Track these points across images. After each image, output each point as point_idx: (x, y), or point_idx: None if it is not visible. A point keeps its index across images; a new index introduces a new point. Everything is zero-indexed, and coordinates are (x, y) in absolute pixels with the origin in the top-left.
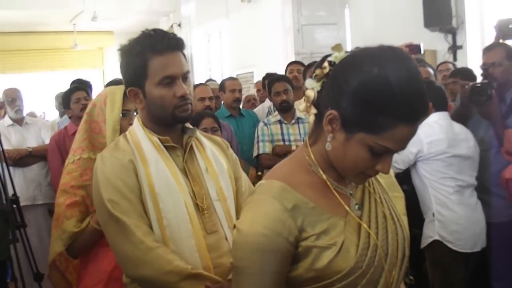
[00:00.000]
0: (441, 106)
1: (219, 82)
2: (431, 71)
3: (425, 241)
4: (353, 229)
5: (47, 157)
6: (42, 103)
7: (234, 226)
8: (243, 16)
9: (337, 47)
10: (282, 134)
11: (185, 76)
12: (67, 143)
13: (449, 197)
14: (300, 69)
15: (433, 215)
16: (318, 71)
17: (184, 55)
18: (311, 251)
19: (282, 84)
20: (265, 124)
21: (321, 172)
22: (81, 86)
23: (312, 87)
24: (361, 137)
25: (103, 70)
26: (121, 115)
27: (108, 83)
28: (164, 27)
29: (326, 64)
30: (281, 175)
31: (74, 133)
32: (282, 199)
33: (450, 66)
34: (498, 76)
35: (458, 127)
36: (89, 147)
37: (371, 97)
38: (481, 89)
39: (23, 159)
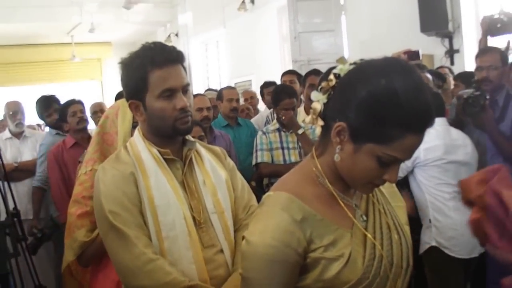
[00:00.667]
0: (438, 112)
1: (213, 91)
2: (429, 76)
3: (422, 247)
4: (359, 240)
5: (48, 172)
6: None
7: (243, 238)
8: (240, 25)
9: (341, 60)
10: (281, 142)
11: (185, 89)
12: (65, 156)
13: (445, 203)
14: (293, 80)
15: (430, 221)
16: (324, 84)
17: (184, 67)
18: (319, 263)
19: (291, 101)
20: (264, 133)
21: (328, 183)
22: (76, 100)
23: (318, 99)
24: (369, 148)
25: (102, 81)
26: (132, 127)
27: (117, 94)
28: (162, 37)
29: (332, 76)
30: (289, 187)
31: (73, 145)
32: (290, 210)
33: (447, 70)
34: (494, 79)
35: (455, 133)
36: (101, 158)
37: (380, 108)
38: (474, 101)
39: (11, 174)
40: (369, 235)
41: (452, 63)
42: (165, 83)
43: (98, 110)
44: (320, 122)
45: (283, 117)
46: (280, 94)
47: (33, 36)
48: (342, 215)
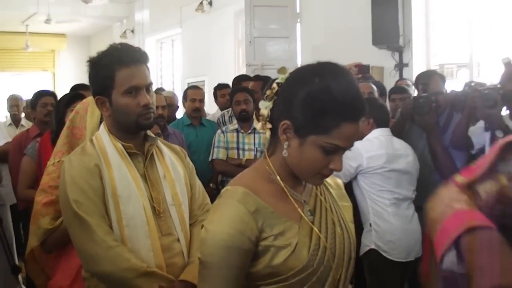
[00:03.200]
0: (382, 122)
1: (169, 90)
2: (374, 87)
3: (362, 250)
4: (306, 232)
5: (8, 158)
6: None
7: (202, 226)
8: (196, 26)
9: (282, 70)
10: (238, 142)
11: (148, 87)
12: (26, 145)
13: (385, 209)
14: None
15: (370, 225)
16: (268, 92)
17: (147, 68)
18: (269, 250)
19: (243, 95)
20: (222, 132)
21: (280, 180)
22: (49, 91)
23: (265, 106)
24: (313, 140)
25: (54, 72)
26: (99, 122)
27: (72, 87)
28: (117, 32)
29: (274, 85)
30: (244, 182)
31: (36, 136)
32: (245, 203)
33: (409, 82)
34: (446, 97)
35: (398, 143)
36: (69, 151)
37: (317, 103)
38: (424, 101)
39: None
40: (315, 228)
41: (401, 76)
42: (130, 81)
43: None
44: (269, 126)
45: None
46: (233, 90)
47: None
48: (291, 209)
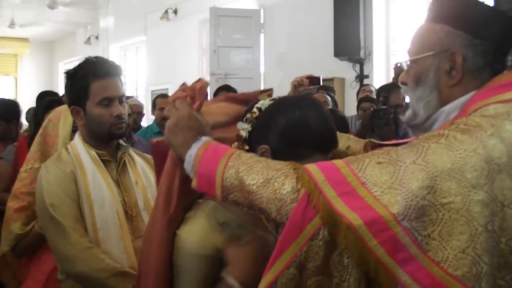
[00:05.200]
0: (343, 132)
1: (134, 98)
2: (328, 97)
3: None
4: (271, 242)
5: None
6: None
7: (175, 234)
8: (161, 34)
9: (263, 96)
10: None
11: (121, 99)
12: None
13: None
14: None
15: None
16: (248, 115)
17: (120, 80)
18: None
19: None
20: None
21: None
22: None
23: (243, 128)
24: None
25: (16, 77)
26: (71, 131)
27: (39, 94)
28: (81, 38)
29: (255, 109)
30: None
31: None
32: (215, 215)
33: (372, 88)
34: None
35: None
36: (41, 158)
37: (295, 133)
38: (382, 113)
39: None
40: (277, 237)
41: (361, 87)
42: (104, 93)
43: None
44: (246, 147)
45: None
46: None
47: None
48: (260, 221)
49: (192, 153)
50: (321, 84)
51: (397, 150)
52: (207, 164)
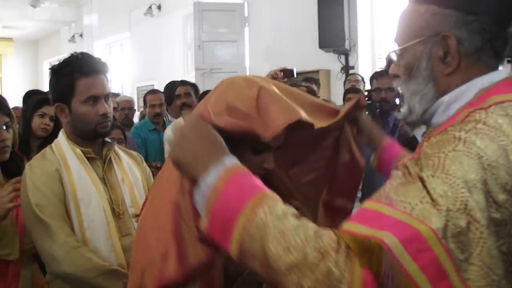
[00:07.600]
0: None
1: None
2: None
3: None
4: None
5: None
6: None
7: None
8: (145, 30)
9: None
10: None
11: (107, 97)
12: None
13: None
14: (189, 92)
15: None
16: None
17: (107, 78)
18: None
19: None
20: None
21: None
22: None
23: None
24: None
25: (1, 77)
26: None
27: (26, 94)
28: (66, 36)
29: None
30: None
31: None
32: None
33: (359, 77)
34: (391, 100)
35: None
36: None
37: None
38: (367, 109)
39: None
40: None
41: (346, 78)
42: (90, 91)
43: None
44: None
45: None
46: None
47: None
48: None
49: (209, 183)
50: (295, 75)
51: (409, 167)
52: (226, 205)
